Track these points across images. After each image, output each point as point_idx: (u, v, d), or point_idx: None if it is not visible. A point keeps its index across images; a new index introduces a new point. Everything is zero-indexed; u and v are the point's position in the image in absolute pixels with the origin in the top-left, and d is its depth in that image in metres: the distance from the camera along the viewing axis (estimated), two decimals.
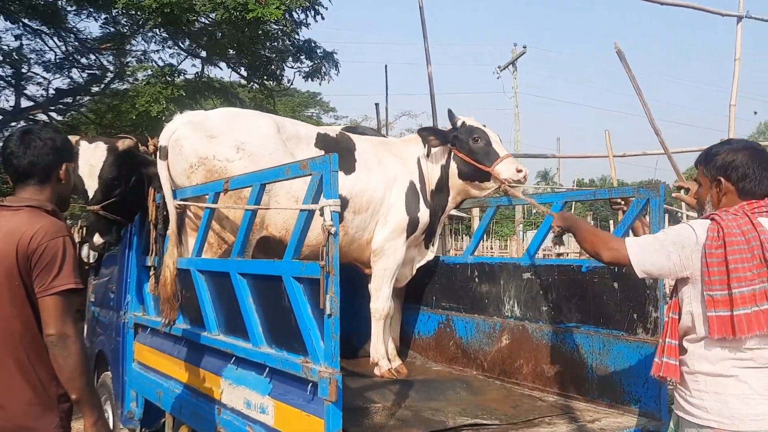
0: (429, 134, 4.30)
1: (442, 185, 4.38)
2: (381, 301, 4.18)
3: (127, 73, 11.99)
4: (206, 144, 3.69)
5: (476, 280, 4.36)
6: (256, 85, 11.01)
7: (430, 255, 4.53)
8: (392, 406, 3.44)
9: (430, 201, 4.35)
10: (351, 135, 4.28)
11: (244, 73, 10.74)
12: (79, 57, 12.16)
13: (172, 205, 3.69)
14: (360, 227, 4.11)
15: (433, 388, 3.81)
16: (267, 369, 2.83)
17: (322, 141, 4.12)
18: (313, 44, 10.39)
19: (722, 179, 2.24)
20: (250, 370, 2.99)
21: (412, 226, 4.22)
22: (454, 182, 4.35)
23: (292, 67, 10.53)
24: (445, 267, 4.65)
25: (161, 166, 3.74)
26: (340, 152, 3.84)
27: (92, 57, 12.24)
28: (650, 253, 2.22)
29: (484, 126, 4.35)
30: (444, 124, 4.90)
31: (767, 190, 2.20)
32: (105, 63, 12.38)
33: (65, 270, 2.15)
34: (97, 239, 4.11)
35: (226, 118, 3.93)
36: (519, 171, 4.15)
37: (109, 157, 4.01)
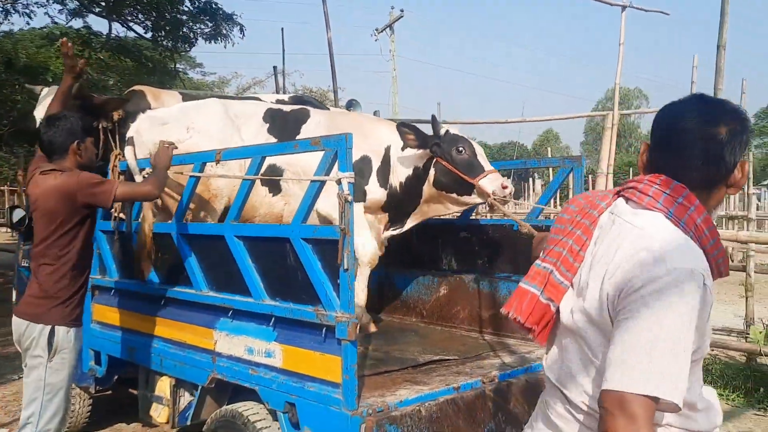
0: (409, 132, 4.10)
1: (412, 188, 4.25)
2: (360, 247, 4.13)
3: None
4: (160, 131, 4.11)
5: (416, 239, 4.93)
6: (165, 46, 10.79)
7: (385, 235, 4.47)
8: (361, 352, 3.95)
9: (391, 188, 4.26)
10: (308, 108, 4.58)
11: (149, 35, 10.51)
12: None
13: (139, 178, 3.98)
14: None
15: (388, 335, 4.36)
16: (272, 319, 3.22)
17: (270, 115, 4.44)
18: (214, 6, 10.32)
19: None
20: (249, 322, 3.37)
21: (359, 193, 4.17)
22: (428, 190, 4.21)
23: (193, 29, 10.42)
24: None
25: (128, 151, 4.12)
26: (288, 124, 4.27)
27: None
28: None
29: (474, 139, 4.30)
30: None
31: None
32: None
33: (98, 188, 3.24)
34: None
35: (179, 108, 4.43)
36: (505, 187, 4.01)
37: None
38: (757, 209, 23.45)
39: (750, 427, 5.19)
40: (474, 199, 4.11)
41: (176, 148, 3.62)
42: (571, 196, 4.31)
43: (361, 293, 4.21)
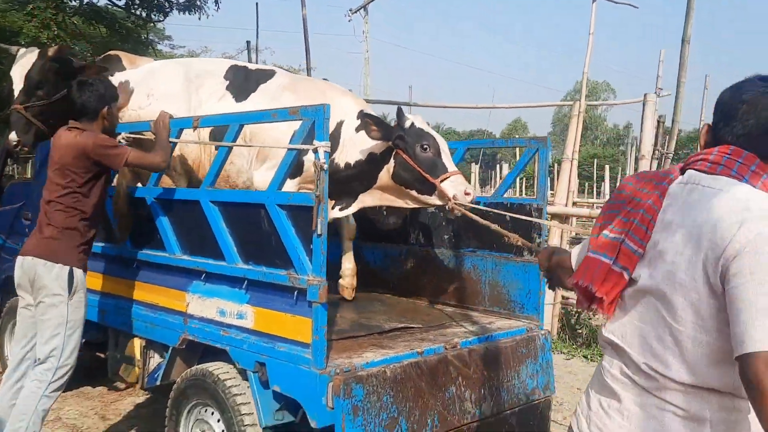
0: (372, 123, 3.88)
1: (361, 171, 4.05)
2: None
3: None
4: (126, 99, 4.24)
5: (384, 213, 5.07)
6: (139, 15, 10.64)
7: (335, 215, 4.24)
8: (329, 320, 4.07)
9: (332, 163, 4.00)
10: (275, 69, 4.52)
11: (123, 2, 10.36)
12: None
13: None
14: (248, 160, 4.20)
15: (356, 304, 4.50)
16: (245, 282, 3.33)
17: (232, 72, 4.43)
18: None
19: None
20: (222, 285, 3.47)
21: (297, 167, 3.94)
22: (386, 180, 4.03)
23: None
24: None
25: None
26: (248, 83, 4.29)
27: None
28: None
29: (443, 125, 4.20)
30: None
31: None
32: None
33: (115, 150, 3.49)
34: (13, 137, 4.32)
35: (140, 73, 4.49)
36: (467, 194, 3.82)
37: (39, 61, 4.35)
38: None
39: None
40: (433, 200, 3.91)
41: (173, 117, 3.73)
42: (536, 184, 4.46)
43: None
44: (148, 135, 3.89)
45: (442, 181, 3.81)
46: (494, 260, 4.36)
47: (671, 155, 7.94)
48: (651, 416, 1.60)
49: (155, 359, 4.07)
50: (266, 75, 4.39)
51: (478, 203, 4.42)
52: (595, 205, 21.32)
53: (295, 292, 3.06)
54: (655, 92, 8.51)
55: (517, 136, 41.49)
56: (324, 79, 7.21)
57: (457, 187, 3.81)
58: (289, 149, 3.15)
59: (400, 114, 3.96)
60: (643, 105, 6.66)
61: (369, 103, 5.34)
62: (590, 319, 7.69)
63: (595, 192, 26.12)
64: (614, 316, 1.74)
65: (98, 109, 3.57)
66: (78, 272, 3.47)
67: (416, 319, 4.11)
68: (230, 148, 3.53)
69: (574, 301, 7.58)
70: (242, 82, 4.34)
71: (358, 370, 3.01)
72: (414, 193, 3.95)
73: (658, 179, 1.73)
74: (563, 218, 7.15)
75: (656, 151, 7.35)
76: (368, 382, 3.00)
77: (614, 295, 1.71)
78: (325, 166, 2.92)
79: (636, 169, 6.84)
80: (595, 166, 28.20)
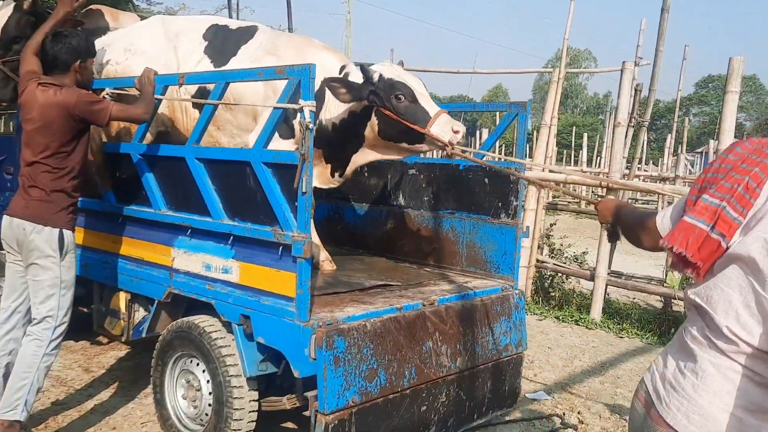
0: (340, 87, 3.72)
1: (348, 130, 3.97)
2: None
3: None
4: (102, 54, 4.24)
5: (366, 174, 5.15)
6: None
7: (335, 183, 4.24)
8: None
9: (321, 124, 3.97)
10: (256, 27, 4.36)
11: None
12: None
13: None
14: (241, 127, 4.15)
15: (337, 263, 4.59)
16: (231, 238, 3.42)
17: (212, 32, 4.34)
18: None
19: None
20: (208, 240, 3.55)
21: (290, 129, 3.93)
22: (374, 139, 3.94)
23: None
24: None
25: None
26: (228, 45, 4.26)
27: None
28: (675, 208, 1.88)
29: (405, 75, 3.85)
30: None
31: None
32: None
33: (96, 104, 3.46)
34: None
35: (125, 30, 4.55)
36: (456, 132, 3.69)
37: (15, 14, 4.34)
38: (691, 174, 24.57)
39: None
40: (423, 147, 3.86)
41: (157, 73, 3.71)
42: (514, 150, 4.57)
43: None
44: (132, 91, 3.91)
45: (431, 127, 3.70)
46: (472, 222, 4.49)
47: (646, 123, 8.09)
48: (726, 378, 1.61)
49: (140, 313, 4.16)
50: (247, 34, 4.27)
51: (458, 166, 4.54)
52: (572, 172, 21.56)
53: (280, 248, 3.16)
54: (635, 61, 8.62)
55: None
56: None
57: (446, 129, 3.69)
58: (274, 108, 3.21)
59: (364, 70, 3.81)
60: (621, 73, 6.77)
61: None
62: (563, 282, 7.91)
63: (573, 160, 26.37)
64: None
65: (69, 62, 3.49)
66: (68, 233, 3.49)
67: (396, 277, 4.23)
68: (215, 107, 3.57)
69: (549, 265, 7.78)
70: (221, 44, 4.24)
71: (340, 324, 3.14)
72: (404, 145, 3.89)
73: None
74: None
75: (632, 119, 7.49)
76: (349, 335, 3.13)
77: (710, 262, 1.68)
78: (311, 125, 2.99)
79: (612, 137, 6.97)
80: (573, 134, 28.42)
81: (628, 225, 2.14)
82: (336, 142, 4.02)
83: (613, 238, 2.36)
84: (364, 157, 4.09)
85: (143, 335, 4.04)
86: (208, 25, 4.39)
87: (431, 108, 3.75)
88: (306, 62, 4.01)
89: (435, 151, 4.29)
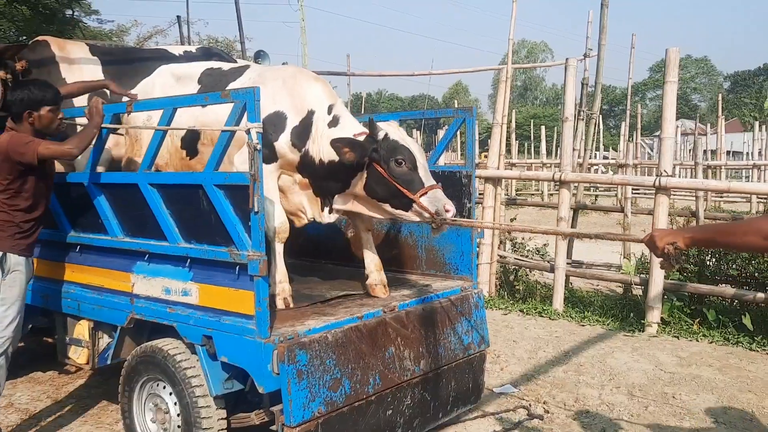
0: (343, 146, 3.59)
1: (335, 171, 3.78)
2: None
3: None
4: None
5: None
6: None
7: (327, 219, 4.07)
8: (273, 292, 4.24)
9: (307, 154, 3.84)
10: (244, 66, 4.40)
11: None
12: None
13: None
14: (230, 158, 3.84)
15: (299, 275, 4.66)
16: (188, 260, 3.46)
17: (206, 76, 4.28)
18: None
19: None
20: (166, 264, 3.59)
21: (269, 152, 3.78)
22: (359, 190, 3.79)
23: None
24: None
25: None
26: (218, 84, 4.25)
27: None
28: None
29: (410, 141, 3.71)
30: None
31: None
32: None
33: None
34: None
35: (142, 84, 4.58)
36: (447, 210, 3.55)
37: None
38: (649, 158, 25.14)
39: (619, 345, 5.93)
40: (409, 216, 3.67)
41: (105, 102, 3.79)
42: (459, 148, 4.69)
43: (280, 266, 3.92)
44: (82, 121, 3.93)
45: (420, 196, 3.56)
46: (429, 226, 4.58)
47: (595, 115, 8.31)
48: None
49: (104, 340, 4.17)
50: (237, 73, 4.24)
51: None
52: (533, 165, 21.96)
53: (237, 268, 3.22)
54: (585, 53, 8.86)
55: (456, 102, 41.92)
56: (261, 50, 7.23)
57: (437, 203, 3.56)
58: (222, 131, 3.27)
59: (372, 126, 3.65)
60: (565, 69, 6.96)
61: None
62: (527, 275, 8.08)
63: (534, 152, 26.77)
64: None
65: (20, 112, 3.67)
66: (11, 256, 3.68)
67: (357, 286, 4.31)
68: (164, 134, 3.62)
69: (510, 259, 7.95)
70: (213, 85, 4.19)
71: (301, 337, 3.21)
72: (388, 207, 3.72)
73: None
74: (496, 180, 7.46)
75: (581, 112, 7.69)
76: (311, 348, 3.21)
77: None
78: (259, 147, 3.06)
79: (562, 132, 7.15)
80: (532, 126, 28.85)
81: (722, 239, 2.23)
82: (321, 177, 3.89)
83: (669, 267, 2.37)
84: (343, 200, 3.93)
85: (108, 362, 4.06)
86: (203, 70, 4.40)
87: (427, 180, 3.63)
88: (292, 92, 3.92)
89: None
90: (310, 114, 3.83)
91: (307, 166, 3.87)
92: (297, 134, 3.82)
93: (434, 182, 3.65)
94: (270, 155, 3.79)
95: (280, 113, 3.83)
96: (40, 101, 3.69)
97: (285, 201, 4.01)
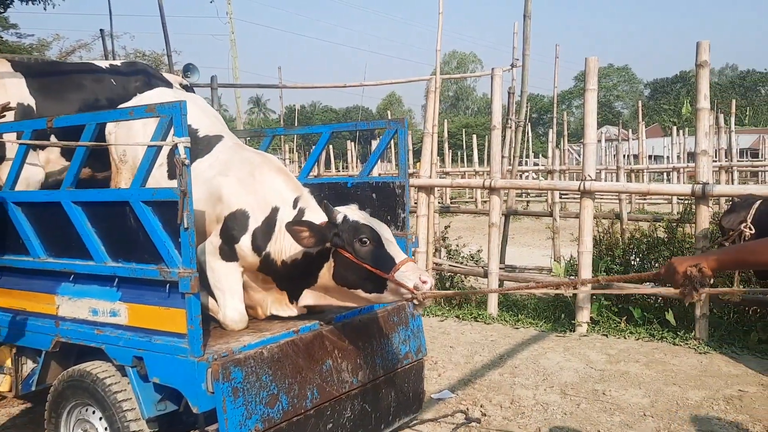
0: (303, 230, 3.39)
1: (299, 267, 3.61)
2: (224, 313, 3.67)
3: None
4: None
5: None
6: None
7: (289, 312, 3.81)
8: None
9: (267, 257, 3.65)
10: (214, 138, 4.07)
11: None
12: None
13: None
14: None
15: None
16: (116, 280, 3.36)
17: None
18: None
19: None
20: (92, 284, 3.48)
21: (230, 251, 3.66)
22: (327, 280, 3.57)
23: None
24: None
25: None
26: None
27: None
28: None
29: (371, 220, 3.57)
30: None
31: None
32: None
33: None
34: None
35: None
36: (424, 282, 3.31)
37: None
38: (577, 164, 26.00)
39: (552, 345, 6.10)
40: (386, 296, 3.44)
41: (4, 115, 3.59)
42: (394, 159, 4.74)
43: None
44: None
45: (396, 273, 3.33)
46: None
47: (521, 123, 8.55)
48: None
49: (28, 365, 3.99)
50: (208, 148, 3.99)
51: (345, 184, 4.64)
52: (466, 173, 22.36)
53: (167, 286, 3.15)
54: (512, 63, 9.10)
55: (389, 113, 42.29)
56: (190, 64, 7.10)
57: (413, 277, 3.33)
58: (149, 146, 3.20)
59: (327, 209, 3.50)
60: (491, 79, 7.15)
61: (239, 88, 5.28)
62: (462, 282, 8.21)
63: (466, 160, 27.27)
64: None
65: None
66: None
67: None
68: (87, 151, 3.51)
69: (445, 266, 8.06)
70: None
71: (236, 354, 3.16)
72: (361, 293, 3.48)
73: None
74: (428, 189, 7.57)
75: (509, 121, 7.89)
76: (246, 364, 3.16)
77: None
78: (186, 161, 3.01)
79: (490, 140, 7.33)
80: (464, 136, 29.40)
81: (751, 258, 2.20)
82: (285, 275, 3.72)
83: (698, 288, 2.22)
84: (314, 297, 3.71)
85: (33, 389, 3.88)
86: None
87: (397, 255, 3.43)
88: (258, 188, 3.68)
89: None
90: (275, 212, 3.67)
91: (268, 267, 3.70)
92: (259, 235, 3.64)
93: (405, 256, 3.48)
94: (231, 254, 3.66)
95: (244, 212, 3.66)
96: None
97: (246, 296, 3.78)
